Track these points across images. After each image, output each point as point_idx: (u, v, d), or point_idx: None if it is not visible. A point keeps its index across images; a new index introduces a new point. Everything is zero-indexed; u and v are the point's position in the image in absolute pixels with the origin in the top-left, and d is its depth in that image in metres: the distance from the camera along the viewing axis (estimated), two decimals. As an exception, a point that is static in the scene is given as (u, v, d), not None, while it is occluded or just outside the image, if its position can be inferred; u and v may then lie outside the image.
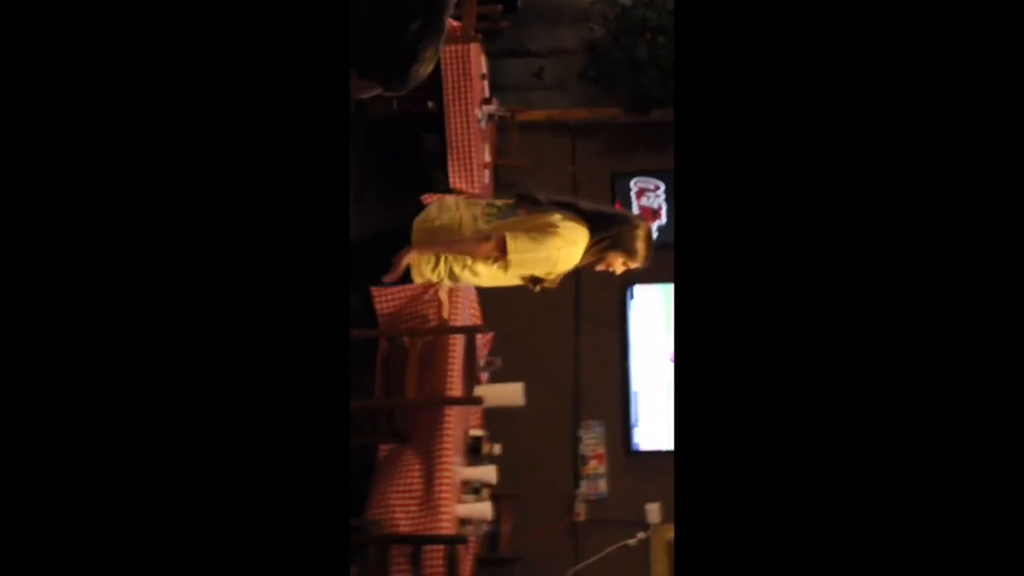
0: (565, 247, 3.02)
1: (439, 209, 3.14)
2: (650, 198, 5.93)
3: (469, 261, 3.07)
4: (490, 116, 5.15)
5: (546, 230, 3.00)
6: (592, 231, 3.08)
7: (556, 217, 3.04)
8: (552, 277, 3.11)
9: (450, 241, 3.04)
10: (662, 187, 5.93)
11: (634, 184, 5.97)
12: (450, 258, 3.05)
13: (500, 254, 2.98)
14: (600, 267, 3.16)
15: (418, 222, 3.11)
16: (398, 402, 3.97)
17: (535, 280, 3.13)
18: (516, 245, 2.98)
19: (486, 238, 3.01)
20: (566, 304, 5.62)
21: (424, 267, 3.06)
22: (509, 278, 3.12)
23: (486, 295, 4.61)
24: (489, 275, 3.12)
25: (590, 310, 5.61)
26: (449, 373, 4.14)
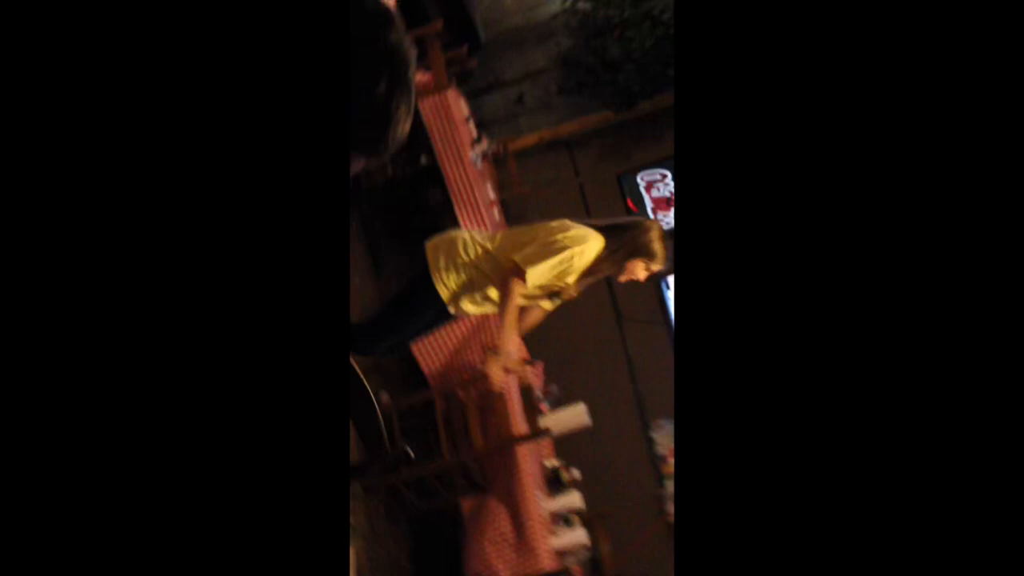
0: (574, 241, 3.04)
1: (448, 249, 3.24)
2: (660, 189, 5.95)
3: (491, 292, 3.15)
4: (484, 154, 5.20)
5: (549, 237, 3.06)
6: (608, 233, 3.11)
7: (552, 223, 3.11)
8: (570, 283, 3.14)
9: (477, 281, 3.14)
10: (668, 175, 5.94)
11: (641, 179, 6.00)
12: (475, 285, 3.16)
13: (519, 277, 3.02)
14: (623, 277, 3.18)
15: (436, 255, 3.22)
16: (469, 454, 4.00)
17: (553, 294, 3.17)
18: (527, 254, 3.03)
19: (503, 272, 3.08)
20: (605, 312, 5.64)
21: (450, 279, 3.15)
22: (531, 293, 3.15)
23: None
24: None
25: (630, 312, 5.62)
26: (511, 413, 4.17)
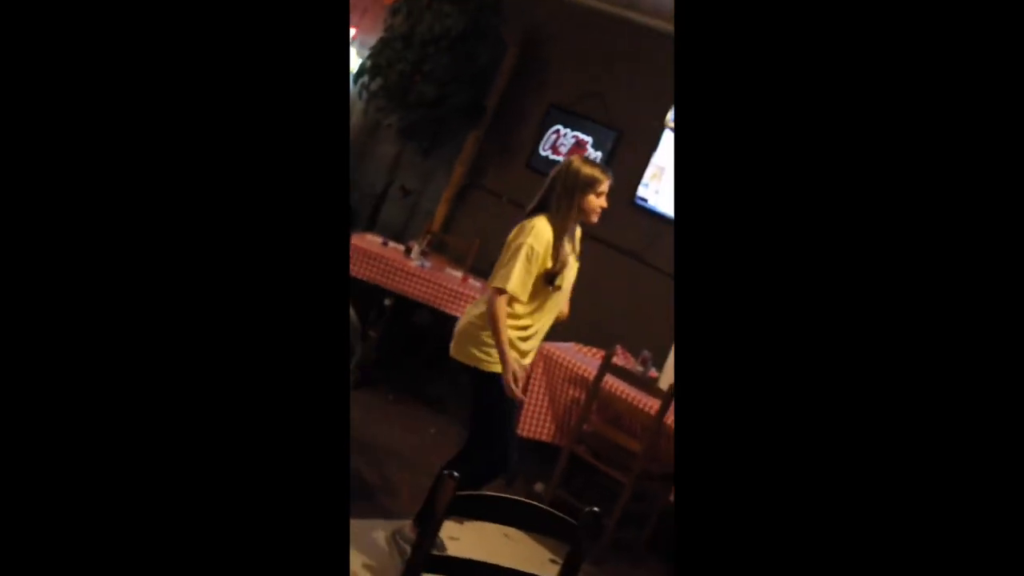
0: (524, 234, 3.12)
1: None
2: (564, 140, 5.97)
3: (513, 332, 3.17)
4: (423, 252, 5.23)
5: (507, 249, 3.15)
6: (545, 209, 3.17)
7: (508, 238, 3.19)
8: (551, 265, 3.14)
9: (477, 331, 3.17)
10: (559, 126, 5.97)
11: (545, 150, 6.02)
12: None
13: (499, 293, 3.08)
14: (592, 218, 3.20)
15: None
16: (639, 463, 3.97)
17: (549, 278, 3.17)
18: (496, 275, 3.10)
19: (486, 304, 3.14)
20: (618, 260, 5.61)
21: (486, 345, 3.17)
22: (526, 300, 3.15)
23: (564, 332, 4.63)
24: (522, 315, 3.19)
25: (625, 243, 5.60)
26: (635, 404, 4.15)
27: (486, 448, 3.25)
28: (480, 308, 3.24)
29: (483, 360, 3.19)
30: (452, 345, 3.27)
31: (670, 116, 5.46)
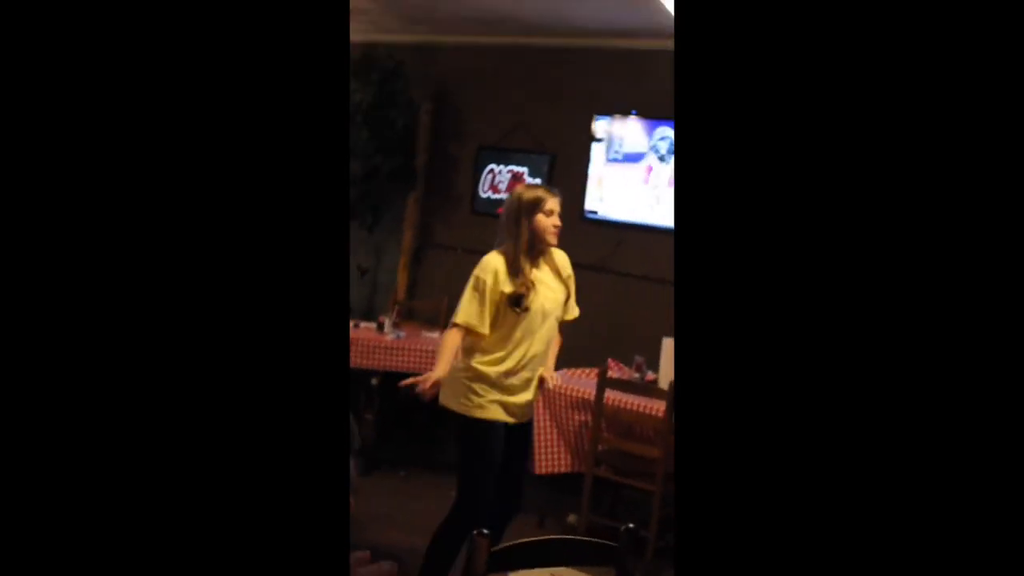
0: (479, 268, 3.17)
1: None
2: (501, 178, 6.00)
3: (490, 369, 3.18)
4: (395, 324, 5.21)
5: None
6: (500, 244, 3.21)
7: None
8: (507, 290, 3.16)
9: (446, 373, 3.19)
10: (492, 165, 6.01)
11: (485, 191, 6.05)
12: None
13: (455, 326, 3.14)
14: (548, 236, 3.22)
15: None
16: (660, 466, 3.95)
17: (514, 301, 3.18)
18: (458, 310, 3.15)
19: (443, 348, 3.18)
20: (604, 283, 5.62)
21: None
22: (485, 330, 3.17)
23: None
24: (493, 349, 3.20)
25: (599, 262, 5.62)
26: (644, 412, 4.14)
27: (474, 500, 3.21)
28: (462, 355, 3.25)
29: (467, 405, 3.19)
30: (440, 393, 3.27)
31: (595, 126, 5.51)
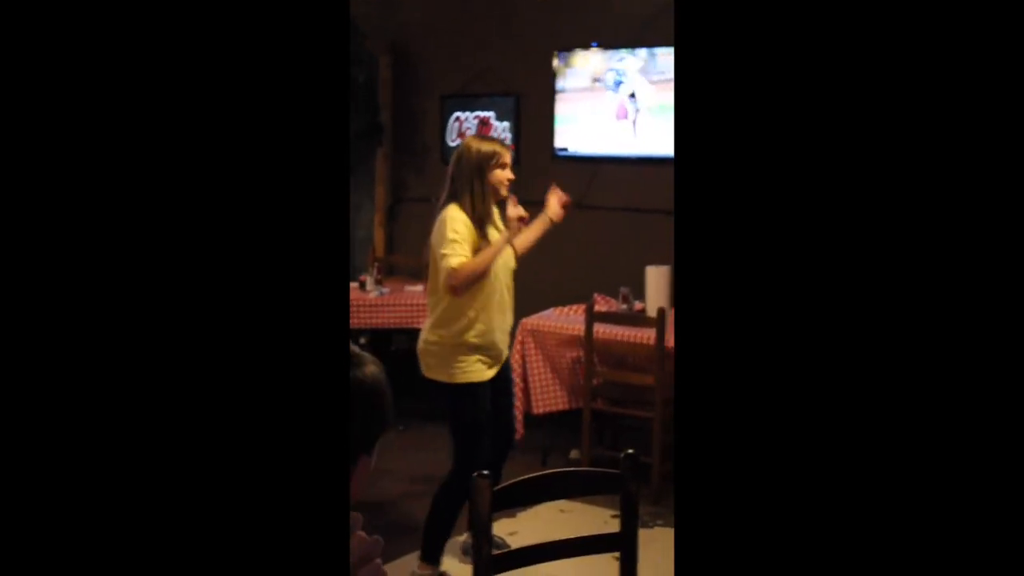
0: (443, 228, 3.11)
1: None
2: (470, 128, 5.95)
3: (466, 311, 3.17)
4: (377, 281, 5.21)
5: (432, 252, 3.17)
6: (456, 197, 3.15)
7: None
8: (477, 244, 3.13)
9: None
10: (460, 115, 5.95)
11: (453, 141, 6.00)
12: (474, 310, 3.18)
13: (454, 272, 3.07)
14: (502, 192, 3.18)
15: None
16: (661, 393, 3.98)
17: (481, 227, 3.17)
18: (448, 256, 3.07)
19: (445, 285, 3.14)
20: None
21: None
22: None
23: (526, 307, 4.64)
24: (463, 312, 3.18)
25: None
26: (634, 341, 4.16)
27: (471, 460, 3.22)
28: (427, 327, 3.25)
29: (453, 373, 3.20)
30: (421, 366, 3.29)
31: (556, 61, 5.45)
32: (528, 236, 3.34)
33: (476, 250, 3.11)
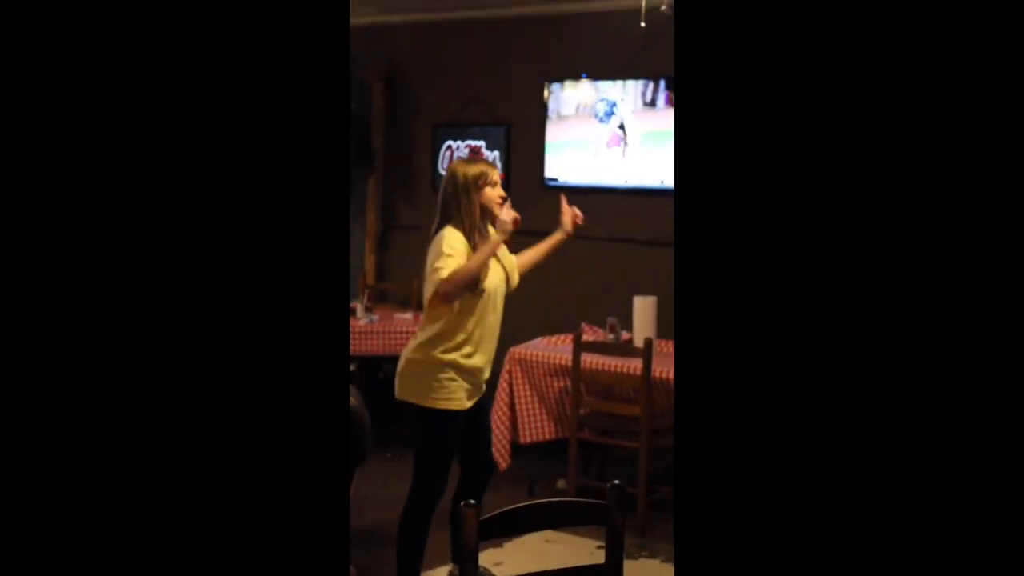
0: (438, 247, 3.10)
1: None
2: (460, 156, 5.97)
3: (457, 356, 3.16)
4: (368, 308, 5.21)
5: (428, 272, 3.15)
6: (449, 220, 3.15)
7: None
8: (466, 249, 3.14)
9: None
10: (451, 143, 5.98)
11: (444, 170, 6.01)
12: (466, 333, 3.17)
13: (441, 285, 3.05)
14: (496, 211, 3.18)
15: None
16: (646, 424, 3.98)
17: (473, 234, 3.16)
18: (441, 268, 3.06)
19: (434, 301, 3.13)
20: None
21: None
22: (454, 307, 3.15)
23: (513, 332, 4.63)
24: (452, 334, 3.17)
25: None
26: (622, 372, 4.17)
27: (429, 488, 3.21)
28: (413, 347, 3.22)
29: (432, 397, 3.16)
30: (396, 386, 3.24)
31: (546, 92, 5.49)
32: (541, 249, 3.37)
33: None
